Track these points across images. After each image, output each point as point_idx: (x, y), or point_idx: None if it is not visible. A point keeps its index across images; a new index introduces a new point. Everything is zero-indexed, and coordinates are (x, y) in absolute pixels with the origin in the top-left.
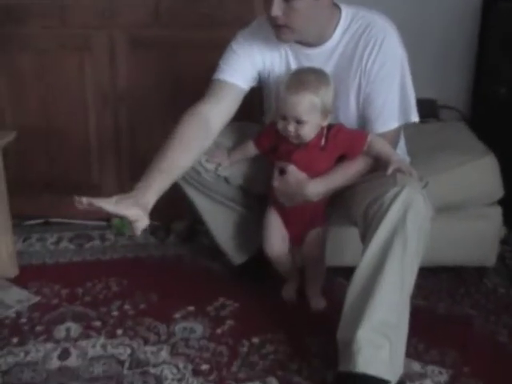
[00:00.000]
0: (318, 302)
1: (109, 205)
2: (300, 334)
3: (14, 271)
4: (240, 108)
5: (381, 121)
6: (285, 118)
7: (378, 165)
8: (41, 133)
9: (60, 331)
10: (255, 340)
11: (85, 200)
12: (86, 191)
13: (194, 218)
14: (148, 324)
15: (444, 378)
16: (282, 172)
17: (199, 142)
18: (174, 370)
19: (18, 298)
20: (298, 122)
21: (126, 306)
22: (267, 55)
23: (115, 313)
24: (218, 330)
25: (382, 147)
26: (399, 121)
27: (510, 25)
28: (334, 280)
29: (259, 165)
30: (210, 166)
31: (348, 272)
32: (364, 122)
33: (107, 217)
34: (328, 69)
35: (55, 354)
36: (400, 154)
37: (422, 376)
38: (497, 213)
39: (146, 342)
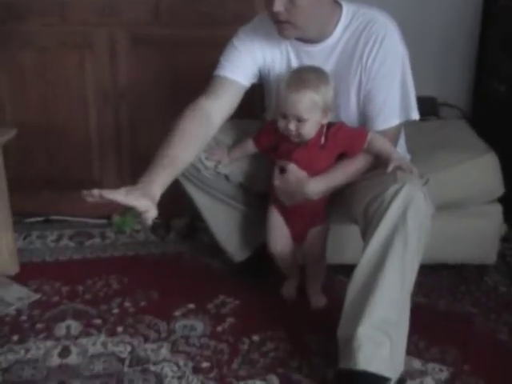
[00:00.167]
0: (318, 300)
1: (119, 196)
2: (300, 332)
3: (14, 269)
4: (241, 105)
5: (381, 118)
6: (285, 117)
7: (379, 162)
8: (41, 130)
9: (60, 329)
10: (255, 338)
11: (96, 192)
12: (86, 188)
13: (194, 216)
14: (148, 321)
15: (444, 375)
16: (283, 171)
17: (200, 137)
18: (175, 368)
19: (19, 296)
20: (299, 120)
21: (127, 304)
22: (268, 51)
23: (115, 310)
24: (219, 328)
25: (382, 145)
26: (400, 118)
27: (510, 23)
28: (334, 278)
29: (259, 162)
30: (210, 164)
31: (348, 270)
32: (364, 119)
33: (108, 214)
34: (329, 66)
35: (55, 352)
36: (400, 151)
37: (423, 373)
38: (497, 210)
39: (147, 339)
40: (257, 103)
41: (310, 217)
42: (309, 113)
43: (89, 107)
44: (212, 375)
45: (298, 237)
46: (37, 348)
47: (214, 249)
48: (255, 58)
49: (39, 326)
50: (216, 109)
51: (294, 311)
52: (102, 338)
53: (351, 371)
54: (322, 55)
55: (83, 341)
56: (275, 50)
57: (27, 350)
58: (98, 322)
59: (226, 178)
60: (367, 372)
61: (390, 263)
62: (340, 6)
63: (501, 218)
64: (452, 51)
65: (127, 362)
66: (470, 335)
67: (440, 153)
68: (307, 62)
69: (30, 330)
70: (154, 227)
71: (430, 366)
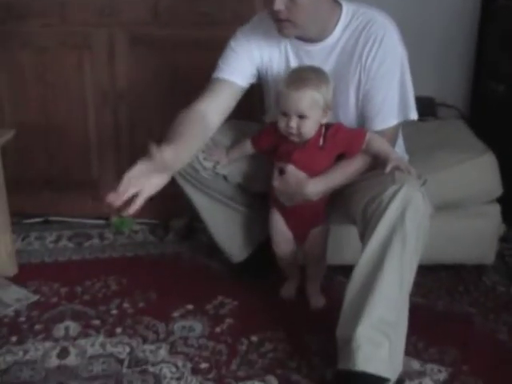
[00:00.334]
0: (317, 300)
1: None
2: (299, 332)
3: (13, 270)
4: (240, 107)
5: (380, 118)
6: (286, 115)
7: (377, 163)
8: (40, 130)
9: (59, 330)
10: (254, 338)
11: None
12: (85, 189)
13: (193, 216)
14: (147, 322)
15: (443, 376)
16: (282, 172)
17: (197, 139)
18: (173, 369)
19: (17, 297)
20: (301, 116)
21: (125, 305)
22: (266, 50)
23: (114, 311)
24: (217, 329)
25: (381, 145)
26: (398, 118)
27: (508, 23)
28: (333, 278)
29: (258, 163)
30: (209, 164)
31: (347, 270)
32: (363, 119)
33: (106, 215)
34: (328, 65)
35: (54, 353)
36: (398, 152)
37: (421, 374)
38: (496, 211)
39: (145, 340)
40: (256, 105)
41: (310, 217)
42: (310, 110)
43: (88, 107)
44: (211, 376)
45: (299, 237)
46: (35, 349)
47: (213, 249)
48: (252, 58)
49: (38, 327)
50: (212, 109)
51: (292, 312)
52: (101, 338)
53: (350, 372)
54: (322, 54)
55: (82, 342)
56: (273, 48)
57: (26, 351)
58: (97, 322)
59: (225, 178)
60: (366, 373)
61: (389, 264)
62: (340, 5)
63: (499, 218)
64: (450, 51)
65: (126, 363)
66: (469, 335)
67: (438, 153)
68: (307, 61)
69: (29, 331)
70: (153, 228)
71: (429, 366)
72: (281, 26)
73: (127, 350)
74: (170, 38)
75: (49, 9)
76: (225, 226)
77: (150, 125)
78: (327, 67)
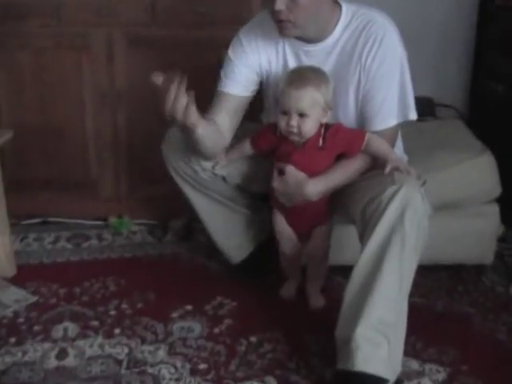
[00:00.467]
0: (317, 300)
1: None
2: (298, 333)
3: (11, 271)
4: None
5: (380, 118)
6: (287, 113)
7: (377, 163)
8: (39, 131)
9: (58, 331)
10: (253, 339)
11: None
12: (84, 189)
13: (192, 217)
14: (145, 323)
15: (442, 376)
16: (281, 172)
17: (216, 137)
18: (172, 370)
19: (16, 298)
20: (301, 115)
21: (124, 306)
22: (263, 55)
23: (113, 312)
24: (216, 329)
25: (380, 146)
26: (398, 118)
27: (506, 23)
28: (332, 278)
29: (257, 163)
30: (208, 165)
31: (347, 271)
32: (363, 119)
33: (104, 216)
34: (328, 65)
35: (53, 354)
36: (397, 152)
37: (420, 374)
38: (494, 211)
39: (144, 341)
40: (256, 105)
41: (311, 217)
42: (310, 109)
43: (86, 108)
44: (209, 377)
45: (301, 237)
46: (34, 350)
47: (212, 250)
48: (251, 66)
49: (36, 328)
50: (224, 124)
51: (291, 312)
52: (100, 339)
53: (349, 372)
54: (322, 55)
55: (80, 343)
56: (271, 50)
57: (24, 353)
58: (95, 323)
59: (224, 179)
60: (365, 373)
61: (388, 264)
62: (340, 5)
63: (498, 218)
64: (449, 51)
65: (124, 364)
66: (468, 335)
67: (437, 153)
68: (306, 61)
69: (28, 332)
70: (152, 228)
71: (428, 366)
72: (281, 26)
73: (126, 350)
74: (168, 38)
75: (47, 9)
76: (224, 227)
77: (149, 125)
78: (327, 67)
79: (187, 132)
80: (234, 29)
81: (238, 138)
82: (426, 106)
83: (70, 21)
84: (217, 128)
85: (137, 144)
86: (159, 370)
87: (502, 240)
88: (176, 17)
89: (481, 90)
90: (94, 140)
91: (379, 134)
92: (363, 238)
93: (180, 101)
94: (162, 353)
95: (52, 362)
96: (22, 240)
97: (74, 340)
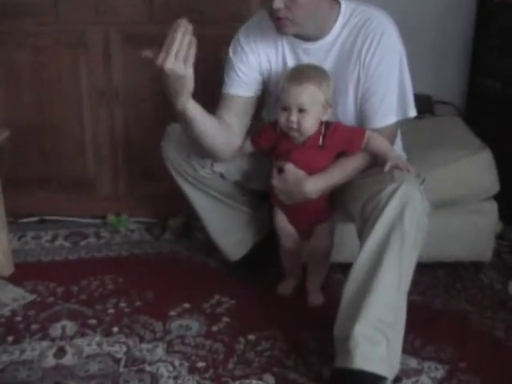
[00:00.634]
0: (315, 298)
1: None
2: (296, 331)
3: (9, 269)
4: None
5: (379, 115)
6: (287, 109)
7: (376, 161)
8: (36, 129)
9: (55, 329)
10: (251, 337)
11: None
12: (81, 188)
13: (190, 215)
14: (144, 321)
15: (440, 373)
16: (281, 170)
17: (227, 134)
18: (170, 368)
19: (14, 296)
20: (301, 110)
21: (122, 304)
22: (262, 55)
23: (111, 310)
24: (214, 328)
25: (380, 143)
26: (397, 115)
27: (505, 20)
28: (331, 276)
29: (255, 161)
30: (206, 162)
31: (345, 268)
32: (362, 117)
33: (102, 214)
34: (327, 63)
35: (51, 353)
36: (397, 150)
37: (419, 372)
38: (493, 208)
39: (142, 339)
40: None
41: (311, 215)
42: (310, 104)
43: (83, 106)
44: (208, 375)
45: (302, 234)
46: (32, 349)
47: (210, 248)
48: (252, 66)
49: (34, 326)
50: (232, 125)
51: (289, 310)
52: (98, 338)
53: (347, 370)
54: (321, 52)
55: (78, 341)
56: (270, 50)
57: (22, 351)
58: (94, 322)
59: (222, 176)
60: (364, 371)
61: (387, 262)
62: (338, 3)
63: (496, 215)
64: (447, 49)
65: (123, 363)
66: (466, 333)
67: (435, 150)
68: (305, 59)
69: (25, 331)
70: (150, 227)
71: (426, 364)
72: (280, 24)
73: (124, 349)
74: (165, 36)
75: (44, 7)
76: (222, 224)
77: (146, 123)
78: (326, 65)
79: (184, 121)
80: (232, 27)
81: None
82: (424, 104)
83: (68, 19)
84: (221, 126)
85: (135, 142)
86: (157, 369)
87: (500, 237)
88: (173, 14)
89: (479, 88)
90: (91, 138)
91: (379, 131)
92: (362, 235)
93: (181, 53)
94: (160, 351)
95: (50, 361)
96: (19, 238)
97: (72, 338)
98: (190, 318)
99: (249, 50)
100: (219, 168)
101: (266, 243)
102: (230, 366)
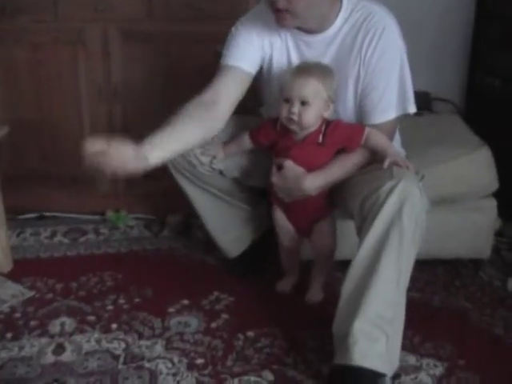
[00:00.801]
0: (314, 295)
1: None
2: (295, 328)
3: (8, 266)
4: None
5: (379, 110)
6: (289, 101)
7: (375, 157)
8: (35, 126)
9: (54, 326)
10: (250, 334)
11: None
12: (80, 184)
13: (189, 212)
14: (143, 318)
15: (439, 370)
16: (280, 168)
17: (198, 128)
18: (169, 364)
19: (12, 293)
20: (303, 102)
21: (121, 301)
22: (266, 39)
23: (110, 307)
24: (213, 324)
25: (379, 140)
26: (397, 111)
27: (504, 17)
28: (330, 274)
29: (254, 158)
30: (205, 159)
31: (344, 265)
32: (362, 112)
33: (102, 211)
34: (327, 56)
35: (50, 349)
36: (395, 146)
37: (417, 369)
38: (492, 205)
39: (141, 336)
40: (252, 99)
41: (311, 212)
42: (313, 98)
43: (82, 103)
44: (206, 371)
45: (302, 232)
46: (31, 345)
47: (209, 245)
48: (255, 45)
49: (33, 323)
50: (223, 97)
51: (288, 307)
52: (97, 334)
53: (346, 367)
54: (322, 46)
55: (77, 338)
56: (275, 37)
57: (21, 348)
58: (92, 318)
59: (221, 173)
60: (362, 368)
61: (386, 259)
62: None
63: (495, 212)
64: (446, 45)
65: (122, 359)
66: (465, 330)
67: (434, 148)
68: (306, 52)
69: (24, 328)
70: (149, 224)
71: (425, 361)
72: (279, 16)
73: (123, 345)
74: (164, 33)
75: (43, 5)
76: (221, 221)
77: (145, 120)
78: (326, 58)
79: None
80: (230, 24)
81: (235, 133)
82: (422, 100)
83: (66, 16)
84: (196, 125)
85: (134, 139)
86: (156, 365)
87: (499, 234)
88: (172, 12)
89: (478, 85)
90: (89, 135)
91: (378, 127)
92: (361, 232)
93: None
94: (159, 348)
95: (49, 357)
96: (18, 235)
97: (70, 335)
98: (188, 314)
99: (254, 32)
100: (218, 165)
101: (265, 240)
102: (229, 362)
